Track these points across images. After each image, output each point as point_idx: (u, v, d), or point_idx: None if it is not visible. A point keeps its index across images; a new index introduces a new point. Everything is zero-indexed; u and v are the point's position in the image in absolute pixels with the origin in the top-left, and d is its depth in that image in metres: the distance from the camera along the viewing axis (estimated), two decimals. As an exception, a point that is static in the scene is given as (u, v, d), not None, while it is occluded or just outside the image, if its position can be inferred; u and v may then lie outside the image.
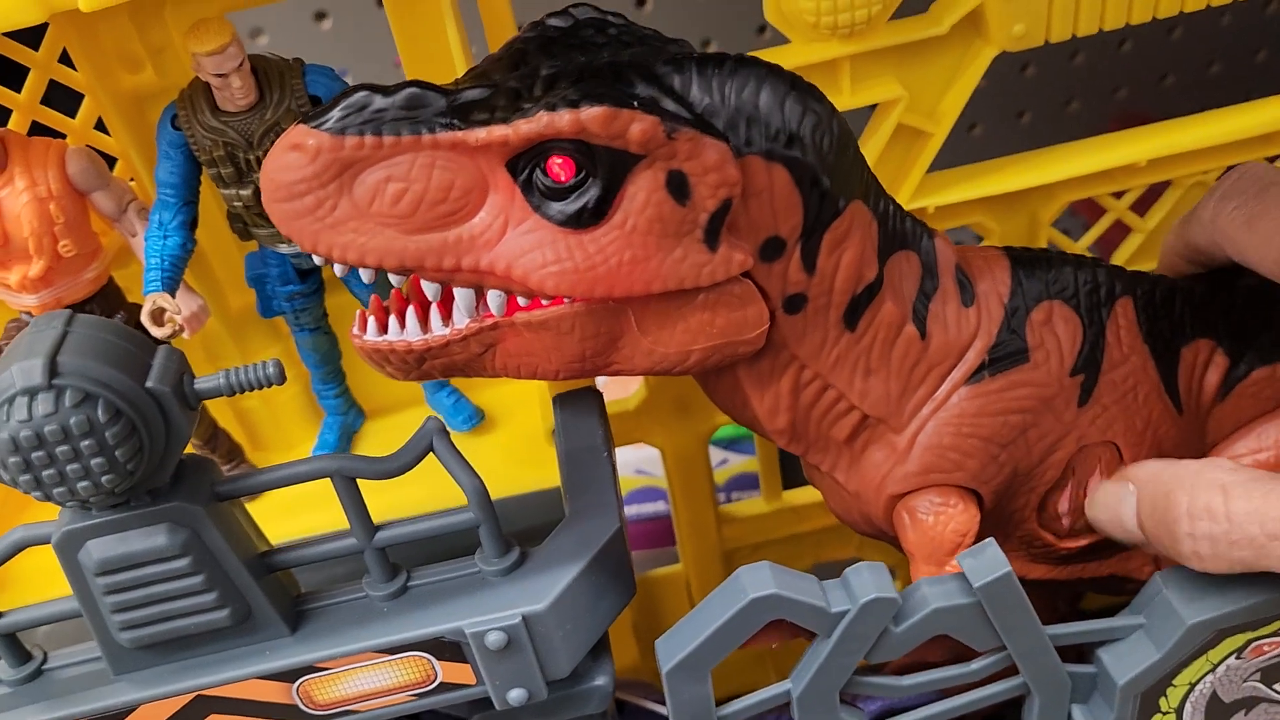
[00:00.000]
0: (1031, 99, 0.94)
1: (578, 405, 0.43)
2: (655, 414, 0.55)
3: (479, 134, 0.33)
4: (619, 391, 0.55)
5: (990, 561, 0.38)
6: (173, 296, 0.39)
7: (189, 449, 0.46)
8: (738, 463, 0.80)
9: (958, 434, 0.40)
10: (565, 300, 0.35)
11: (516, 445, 0.47)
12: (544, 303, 0.35)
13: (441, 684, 0.37)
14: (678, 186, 0.33)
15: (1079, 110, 0.96)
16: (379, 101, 0.33)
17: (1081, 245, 0.53)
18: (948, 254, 0.40)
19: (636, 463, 0.80)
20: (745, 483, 0.79)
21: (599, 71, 0.33)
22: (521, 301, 0.36)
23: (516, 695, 0.37)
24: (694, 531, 0.60)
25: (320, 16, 0.80)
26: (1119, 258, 0.54)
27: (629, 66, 0.33)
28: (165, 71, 0.41)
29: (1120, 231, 0.54)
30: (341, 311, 0.46)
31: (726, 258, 0.35)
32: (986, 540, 0.39)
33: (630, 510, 0.78)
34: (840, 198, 0.36)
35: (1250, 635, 0.39)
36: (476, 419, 0.48)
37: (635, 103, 0.32)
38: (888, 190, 0.46)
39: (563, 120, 0.32)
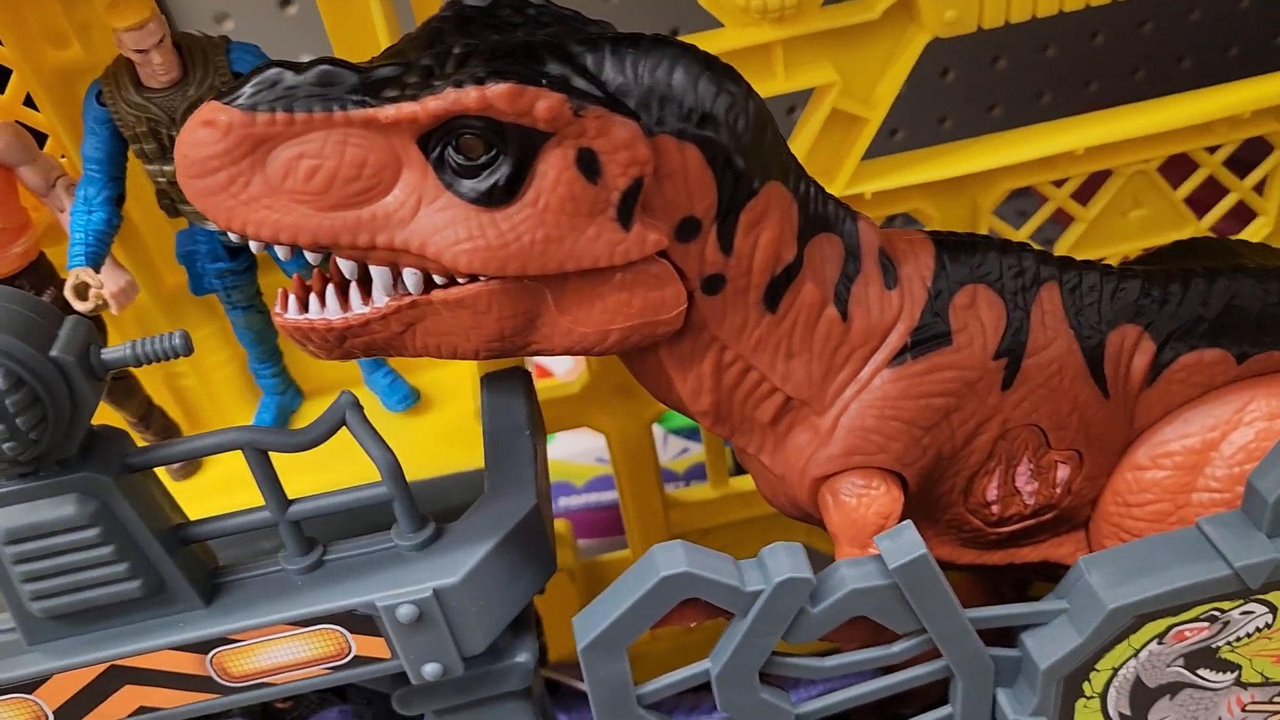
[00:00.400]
0: (1003, 92, 0.94)
1: (504, 385, 0.43)
2: (598, 398, 0.55)
3: (389, 111, 0.33)
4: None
5: (907, 543, 0.38)
6: (97, 271, 0.39)
7: (126, 427, 0.46)
8: (698, 452, 0.81)
9: (880, 416, 0.40)
10: (481, 279, 0.35)
11: (450, 426, 0.47)
12: (460, 281, 0.36)
13: (356, 657, 0.37)
14: (588, 164, 0.34)
15: (1050, 104, 0.96)
16: (290, 78, 0.33)
17: (1023, 233, 0.54)
18: (871, 237, 0.40)
19: (597, 450, 0.80)
20: (705, 472, 0.79)
21: (511, 50, 0.33)
22: (438, 280, 0.36)
23: (431, 669, 0.37)
24: (641, 516, 0.61)
25: (285, 2, 0.80)
26: (1061, 246, 0.54)
27: (542, 46, 0.34)
28: (92, 48, 0.41)
29: (1065, 220, 0.55)
30: (275, 290, 0.46)
31: (641, 237, 0.35)
32: (904, 522, 0.39)
33: (589, 498, 0.79)
34: (755, 178, 0.36)
35: (1171, 620, 0.40)
36: (412, 399, 0.48)
37: (544, 80, 0.32)
38: (824, 176, 0.47)
39: (469, 97, 0.32)
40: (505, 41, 0.34)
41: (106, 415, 0.46)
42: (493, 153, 0.33)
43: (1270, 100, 0.50)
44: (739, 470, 0.67)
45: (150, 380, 0.47)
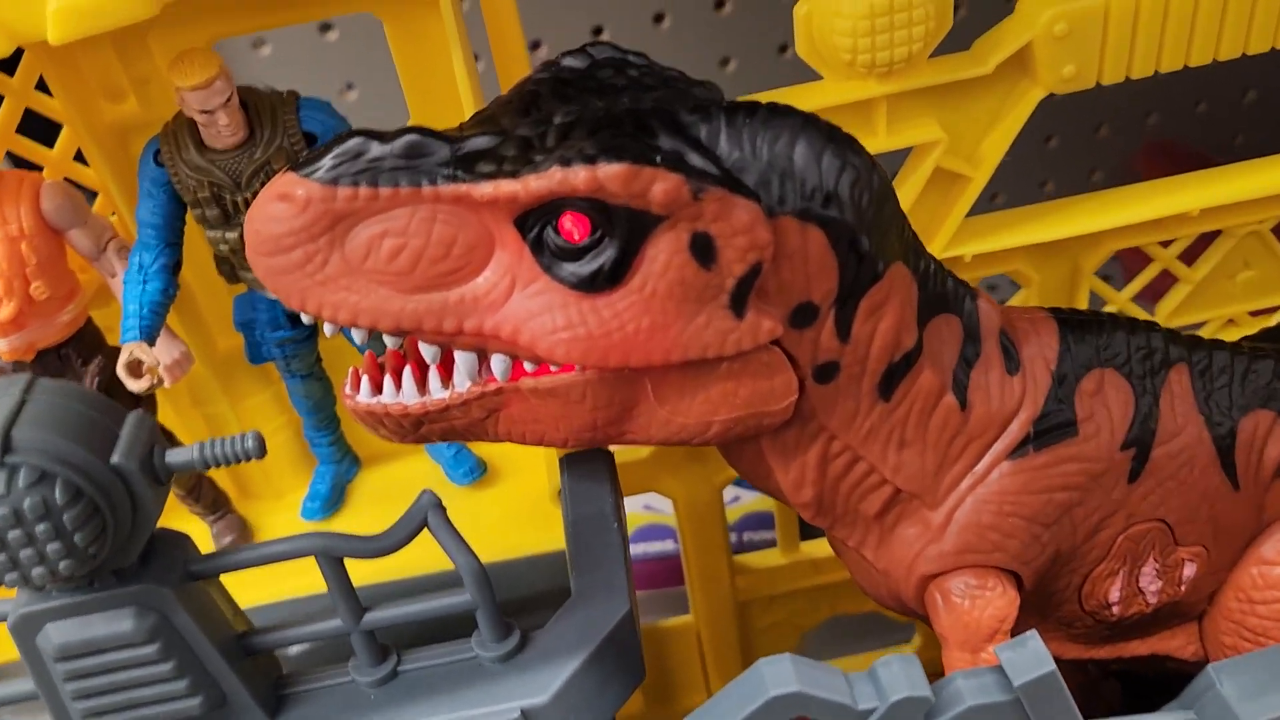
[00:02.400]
0: (1103, 158, 0.91)
1: (586, 467, 0.39)
2: (667, 463, 0.52)
3: (485, 188, 0.30)
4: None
5: (1033, 656, 0.35)
6: (151, 345, 0.36)
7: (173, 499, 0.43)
8: (750, 500, 0.77)
9: (999, 512, 0.37)
10: (576, 367, 0.32)
11: (520, 502, 0.44)
12: (553, 369, 0.32)
13: (433, 778, 0.34)
14: (703, 249, 0.30)
15: (1108, 135, 0.93)
16: (376, 149, 0.30)
17: (1125, 295, 0.50)
18: (992, 317, 0.37)
19: (643, 498, 0.77)
20: (757, 522, 0.76)
21: (618, 120, 0.30)
22: (528, 366, 0.33)
23: (513, 791, 0.34)
24: (706, 581, 0.57)
25: (325, 28, 0.77)
26: (1165, 307, 0.51)
27: (652, 115, 0.30)
28: (150, 103, 0.38)
29: (1167, 280, 0.51)
30: (336, 355, 0.43)
31: (754, 325, 0.32)
32: (1029, 632, 0.36)
33: (637, 549, 0.75)
34: (880, 260, 0.33)
35: (1307, 735, 0.36)
36: (478, 472, 0.45)
37: (658, 157, 0.29)
38: (923, 236, 0.43)
39: (578, 177, 0.29)
40: (610, 110, 0.30)
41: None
42: (598, 234, 0.30)
43: (1399, 161, 0.46)
44: (806, 531, 0.63)
45: (199, 449, 0.44)
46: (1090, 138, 0.91)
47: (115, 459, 0.28)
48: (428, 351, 0.33)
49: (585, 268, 0.30)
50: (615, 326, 0.31)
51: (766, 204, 0.31)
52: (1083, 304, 0.49)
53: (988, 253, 0.46)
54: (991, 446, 0.37)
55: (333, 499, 0.45)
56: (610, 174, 0.29)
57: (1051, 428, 0.37)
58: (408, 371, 0.34)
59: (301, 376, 0.42)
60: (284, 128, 0.35)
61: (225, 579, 0.33)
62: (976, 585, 0.38)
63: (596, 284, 0.31)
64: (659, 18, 0.81)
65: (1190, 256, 0.50)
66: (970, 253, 0.45)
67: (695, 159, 0.30)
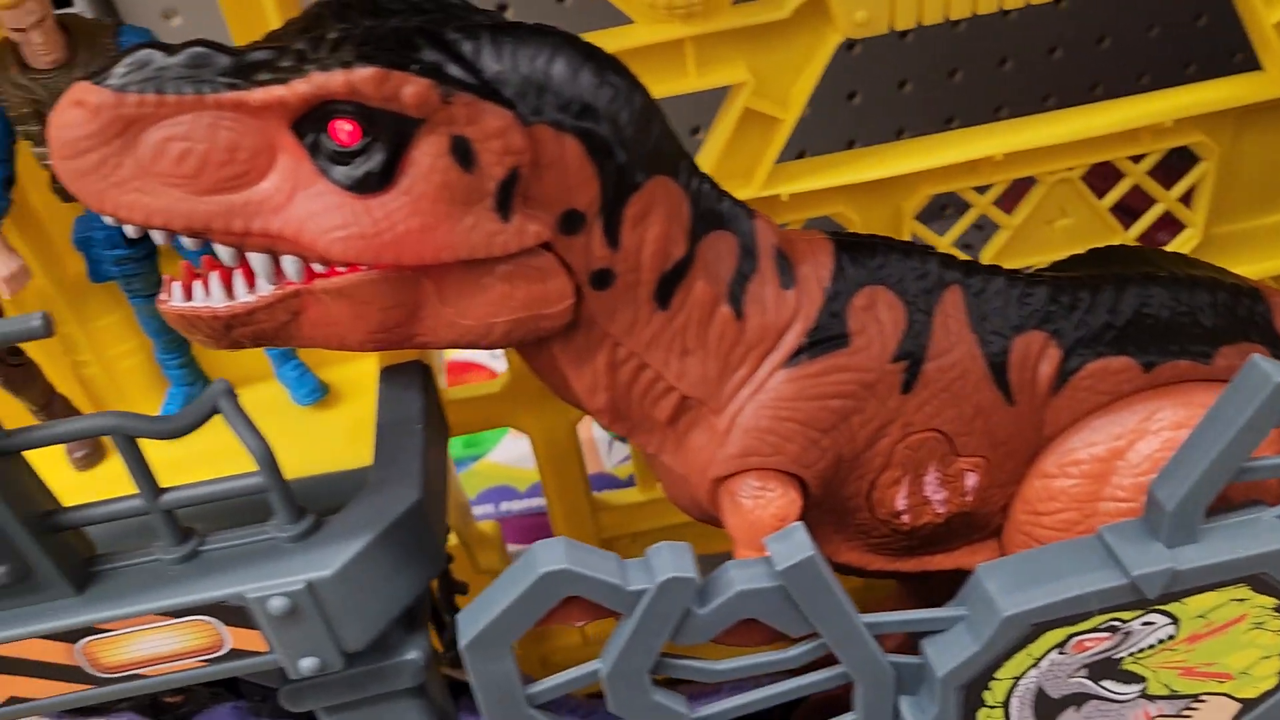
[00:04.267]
0: (960, 105, 0.94)
1: (401, 379, 0.42)
2: (521, 398, 0.55)
3: (258, 94, 0.32)
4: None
5: (795, 545, 0.38)
6: (-16, 256, 0.39)
7: (28, 416, 0.46)
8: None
9: (775, 417, 0.40)
10: (361, 268, 0.35)
11: (357, 422, 0.47)
12: (340, 270, 0.35)
13: (232, 650, 0.36)
14: (462, 153, 0.33)
15: (1007, 117, 0.96)
16: (161, 59, 0.33)
17: (946, 239, 0.53)
18: (768, 236, 0.40)
19: (539, 454, 0.80)
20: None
21: (383, 36, 0.33)
22: (319, 269, 0.35)
23: (309, 664, 0.37)
24: (569, 520, 0.60)
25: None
26: (987, 253, 0.54)
27: (417, 31, 0.33)
28: (-16, 28, 0.41)
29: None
30: (182, 280, 0.46)
31: (520, 228, 0.35)
32: (795, 524, 0.39)
33: (530, 503, 0.78)
34: (639, 171, 0.36)
35: (1070, 630, 0.39)
36: (320, 393, 0.48)
37: (415, 66, 0.32)
38: (741, 177, 0.46)
39: (335, 81, 0.32)
40: (379, 27, 0.33)
41: (7, 403, 0.45)
42: (366, 139, 0.33)
43: (1192, 109, 0.49)
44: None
45: (54, 368, 0.47)
46: (946, 84, 0.93)
47: (-95, 332, 0.31)
48: (223, 254, 0.35)
49: (357, 170, 0.33)
50: (386, 226, 0.34)
51: (521, 113, 0.33)
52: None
53: (807, 193, 0.49)
54: (769, 355, 0.40)
55: (185, 420, 0.47)
56: (362, 77, 0.32)
57: (824, 339, 0.40)
58: (215, 276, 0.36)
59: (144, 297, 0.44)
60: (103, 50, 0.38)
61: (113, 489, 0.35)
62: (759, 487, 0.41)
63: (368, 185, 0.33)
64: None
65: (1012, 206, 0.53)
66: (786, 192, 0.48)
67: (453, 69, 0.33)
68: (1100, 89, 0.95)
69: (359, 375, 0.49)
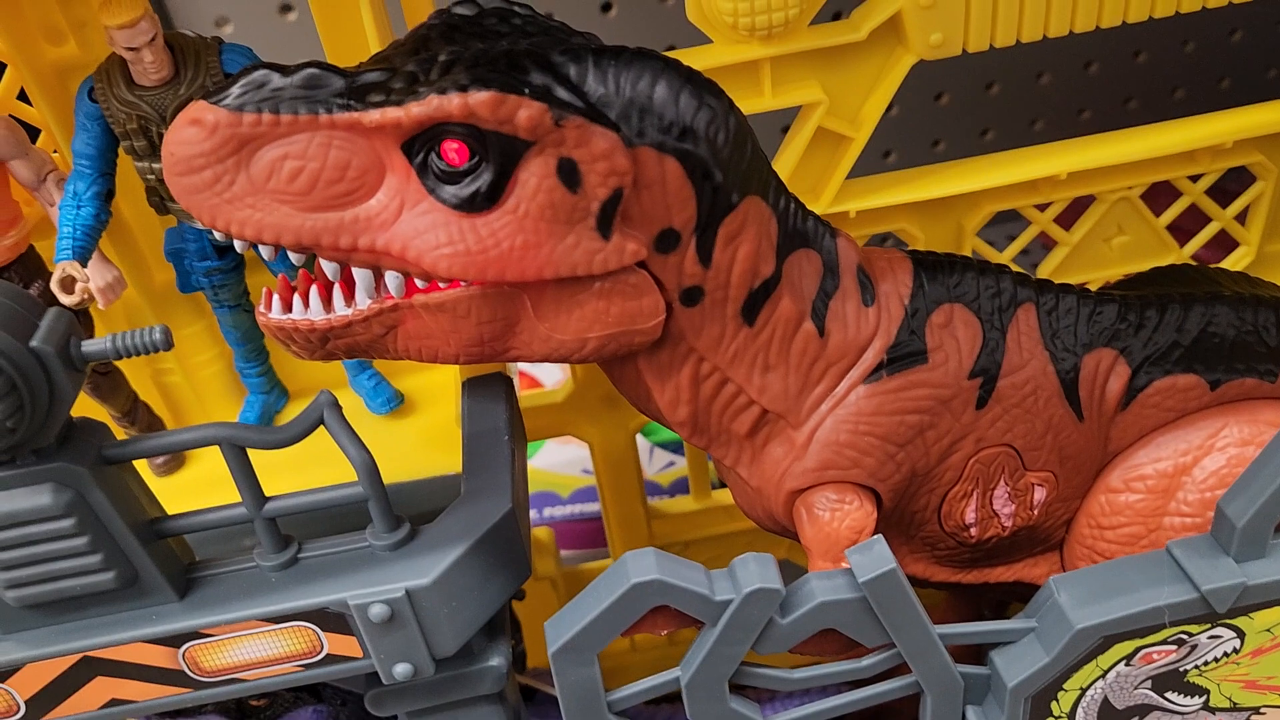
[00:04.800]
0: (996, 117, 0.95)
1: (485, 390, 0.43)
2: (583, 407, 0.56)
3: (373, 115, 0.33)
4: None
5: (877, 557, 0.39)
6: (84, 266, 0.40)
7: (111, 422, 0.47)
8: (683, 466, 0.81)
9: (855, 431, 0.41)
10: (461, 284, 0.36)
11: (433, 430, 0.48)
12: (441, 285, 0.36)
13: (328, 655, 0.37)
14: (568, 174, 0.34)
15: (1043, 130, 0.97)
16: (277, 80, 0.34)
17: (1006, 256, 0.54)
18: (850, 254, 0.41)
19: (583, 461, 0.81)
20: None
21: (494, 58, 0.34)
22: (420, 284, 0.36)
23: (402, 670, 0.38)
24: (624, 527, 0.61)
25: (286, 9, 0.81)
26: (1044, 269, 0.55)
27: (525, 54, 0.34)
28: (88, 45, 0.42)
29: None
30: (263, 290, 0.46)
31: (619, 247, 0.36)
32: (875, 537, 0.39)
33: (574, 509, 0.79)
34: (734, 192, 0.37)
35: (1139, 643, 0.40)
36: (395, 402, 0.49)
37: (526, 89, 0.33)
38: (810, 194, 0.47)
39: (451, 104, 0.33)
40: (489, 50, 0.34)
41: (91, 409, 0.46)
42: (475, 159, 0.34)
43: (1252, 131, 0.50)
44: (722, 484, 0.67)
45: (136, 376, 0.48)
46: (983, 95, 0.94)
47: (34, 343, 0.31)
48: (328, 268, 0.36)
49: (465, 190, 0.34)
50: (492, 244, 0.35)
51: (626, 135, 0.34)
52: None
53: (872, 209, 0.50)
54: (849, 371, 0.41)
55: (261, 427, 0.48)
56: (479, 101, 0.32)
57: (903, 355, 0.41)
58: (314, 290, 0.37)
59: (230, 307, 0.45)
60: (207, 68, 0.39)
61: (197, 495, 0.35)
62: (836, 499, 0.42)
63: (475, 204, 0.34)
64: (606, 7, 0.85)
65: (1070, 223, 0.54)
66: (854, 209, 0.49)
67: (561, 92, 0.34)
68: (1135, 103, 0.96)
69: (433, 384, 0.50)
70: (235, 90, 0.33)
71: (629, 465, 0.59)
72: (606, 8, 0.85)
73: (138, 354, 0.32)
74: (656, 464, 0.82)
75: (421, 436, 0.48)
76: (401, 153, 0.34)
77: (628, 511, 0.60)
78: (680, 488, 0.80)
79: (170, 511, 0.38)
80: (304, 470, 0.40)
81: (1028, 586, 0.48)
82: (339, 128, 0.34)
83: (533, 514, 0.79)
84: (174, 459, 0.48)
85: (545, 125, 0.33)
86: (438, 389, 0.50)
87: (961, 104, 0.93)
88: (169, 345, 0.32)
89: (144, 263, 0.47)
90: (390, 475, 0.44)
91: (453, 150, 0.34)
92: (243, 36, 0.81)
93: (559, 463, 0.81)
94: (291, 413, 0.50)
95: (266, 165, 0.34)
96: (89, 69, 0.40)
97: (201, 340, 0.48)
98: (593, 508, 0.78)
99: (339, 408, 0.35)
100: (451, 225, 0.34)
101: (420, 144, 0.34)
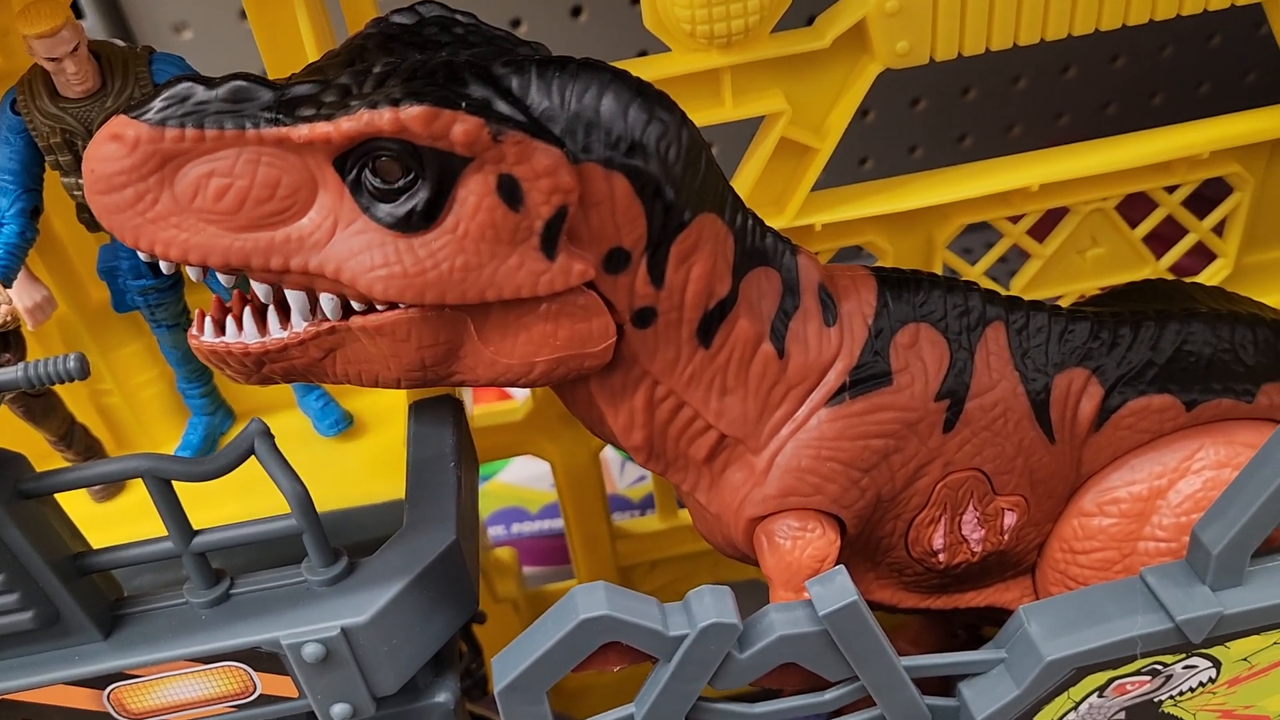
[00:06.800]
0: (973, 123, 0.94)
1: (432, 414, 0.41)
2: (543, 425, 0.54)
3: (302, 130, 0.32)
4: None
5: (839, 589, 0.37)
6: (7, 286, 0.38)
7: (48, 446, 0.45)
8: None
9: (817, 457, 0.39)
10: (400, 306, 0.34)
11: (382, 454, 0.46)
12: (380, 308, 0.34)
13: (262, 696, 0.36)
14: (509, 191, 0.32)
15: (1020, 135, 0.95)
16: (202, 93, 0.32)
17: (978, 269, 0.53)
18: (811, 272, 0.39)
19: (550, 476, 0.79)
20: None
21: (431, 70, 0.32)
22: (357, 306, 0.35)
23: (340, 710, 0.36)
24: (588, 546, 0.59)
25: (245, 15, 0.78)
26: (1018, 282, 0.53)
27: (465, 66, 0.32)
28: (11, 54, 0.40)
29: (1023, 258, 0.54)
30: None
31: (566, 267, 0.34)
32: (837, 567, 0.38)
33: (542, 525, 0.77)
34: (687, 209, 0.35)
35: (1112, 674, 0.38)
36: (344, 424, 0.47)
37: (464, 103, 0.31)
38: (774, 206, 0.46)
39: (383, 118, 0.31)
40: (427, 61, 0.32)
41: (27, 433, 0.44)
42: (410, 176, 0.32)
43: (1228, 141, 0.49)
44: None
45: (74, 398, 0.46)
46: (959, 101, 0.93)
47: (-63, 373, 0.30)
48: (259, 290, 0.34)
49: (400, 208, 0.32)
50: (430, 265, 0.33)
51: (571, 151, 0.33)
52: (937, 276, 0.51)
53: (838, 222, 0.48)
54: (810, 394, 0.39)
55: (205, 450, 0.46)
56: (412, 115, 0.31)
57: (867, 377, 0.39)
58: (248, 312, 0.35)
59: (168, 327, 0.43)
60: (136, 79, 0.37)
61: (139, 521, 0.34)
62: (798, 527, 0.40)
63: (411, 224, 0.32)
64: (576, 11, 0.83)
65: (1044, 234, 0.53)
66: (819, 221, 0.48)
67: (501, 106, 0.32)
68: (1113, 108, 0.95)
69: (383, 406, 0.48)
70: (157, 104, 0.32)
71: (591, 484, 0.57)
72: (577, 12, 0.83)
73: (52, 383, 0.31)
74: (628, 478, 0.80)
75: (371, 460, 0.46)
76: (334, 169, 0.32)
77: (591, 532, 0.59)
78: (651, 503, 0.78)
79: (110, 539, 0.36)
80: (248, 496, 0.39)
81: (999, 611, 0.47)
82: (267, 143, 0.32)
83: (500, 530, 0.77)
84: (113, 485, 0.46)
85: (483, 141, 0.31)
86: (388, 410, 0.48)
87: (938, 110, 0.92)
88: (85, 374, 0.31)
89: (78, 280, 0.45)
90: (337, 500, 0.43)
91: (387, 168, 0.32)
92: (202, 42, 0.80)
93: (528, 477, 0.80)
94: (238, 433, 0.48)
95: (191, 183, 0.32)
96: (12, 79, 0.38)
97: (141, 360, 0.46)
98: (558, 524, 0.77)
99: (270, 436, 0.34)
100: (387, 245, 0.33)
101: (353, 160, 0.32)
